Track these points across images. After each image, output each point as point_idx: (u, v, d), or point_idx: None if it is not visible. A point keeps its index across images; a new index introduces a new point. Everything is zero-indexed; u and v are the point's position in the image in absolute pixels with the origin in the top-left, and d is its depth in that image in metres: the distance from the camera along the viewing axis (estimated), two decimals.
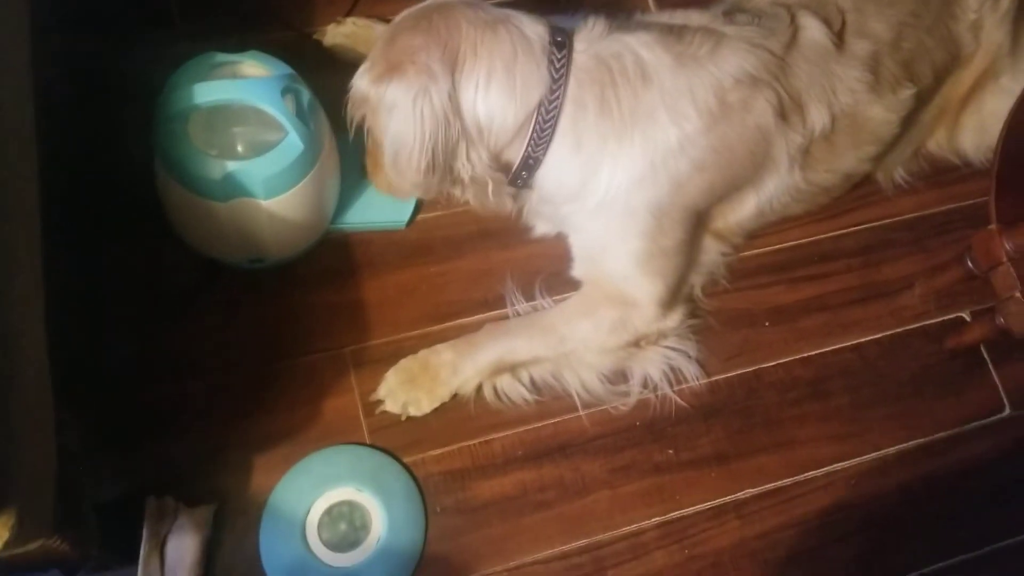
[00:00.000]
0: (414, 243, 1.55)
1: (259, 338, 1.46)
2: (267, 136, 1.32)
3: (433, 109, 1.22)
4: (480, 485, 1.43)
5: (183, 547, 1.31)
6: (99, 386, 1.38)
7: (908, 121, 1.54)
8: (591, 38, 1.29)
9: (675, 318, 1.48)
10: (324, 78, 1.44)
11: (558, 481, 1.45)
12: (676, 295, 1.48)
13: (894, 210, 1.70)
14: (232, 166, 1.27)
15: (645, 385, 1.49)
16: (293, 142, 1.29)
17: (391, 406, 1.43)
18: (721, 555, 1.45)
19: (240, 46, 1.35)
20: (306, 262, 1.50)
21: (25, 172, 1.06)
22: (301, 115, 1.30)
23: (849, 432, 1.55)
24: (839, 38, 1.42)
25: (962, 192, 1.73)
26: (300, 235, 1.46)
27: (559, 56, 1.25)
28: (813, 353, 1.59)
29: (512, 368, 1.45)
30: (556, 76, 1.25)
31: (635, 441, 1.49)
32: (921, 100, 1.54)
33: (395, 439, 1.44)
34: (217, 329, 1.46)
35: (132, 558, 1.29)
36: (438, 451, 1.44)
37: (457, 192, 1.39)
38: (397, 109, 1.23)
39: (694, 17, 1.39)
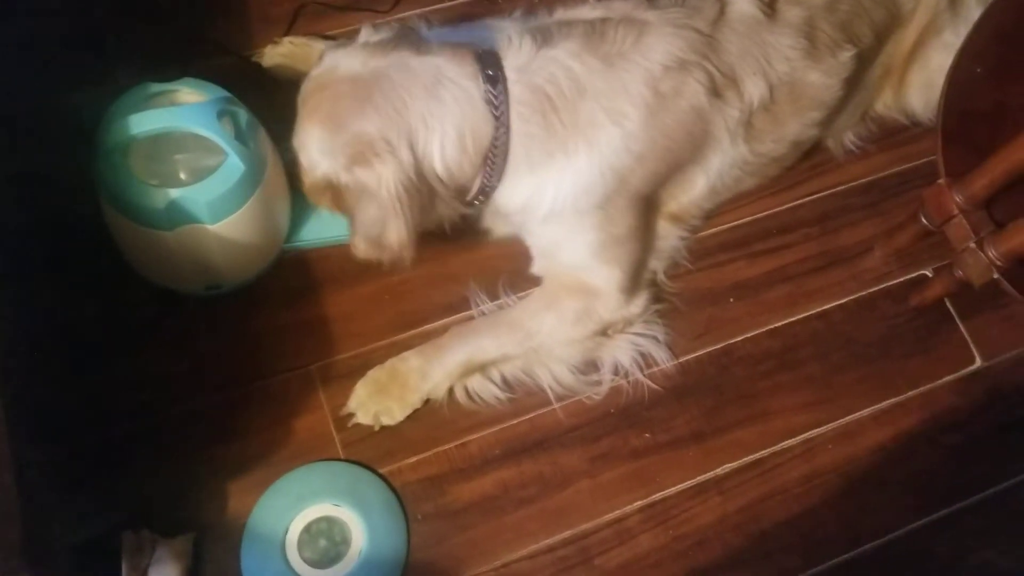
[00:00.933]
0: None
1: (225, 363, 1.46)
2: (210, 161, 1.32)
3: (408, 190, 1.24)
4: (460, 488, 1.43)
5: None
6: (66, 424, 1.37)
7: (851, 84, 1.55)
8: (520, 63, 1.30)
9: (639, 303, 1.49)
10: (265, 98, 1.45)
11: (538, 476, 1.45)
12: (636, 281, 1.48)
13: (847, 176, 1.72)
14: (175, 193, 1.27)
15: (616, 372, 1.50)
16: (234, 164, 1.29)
17: (363, 418, 1.43)
18: (706, 531, 1.45)
19: (176, 74, 1.35)
20: (265, 283, 1.51)
21: None
22: (240, 136, 1.30)
23: (822, 398, 1.56)
24: (770, 7, 1.43)
25: (914, 152, 1.75)
26: (253, 257, 1.46)
27: (495, 94, 1.27)
28: (780, 324, 1.60)
29: (482, 368, 1.45)
30: (498, 116, 1.28)
31: (611, 428, 1.49)
32: (863, 61, 1.55)
33: (370, 451, 1.43)
34: (181, 358, 1.45)
35: None
36: (414, 458, 1.44)
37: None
38: (370, 197, 1.25)
39: (616, 6, 1.38)
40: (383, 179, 1.23)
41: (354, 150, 1.24)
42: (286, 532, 1.37)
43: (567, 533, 1.42)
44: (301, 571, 1.36)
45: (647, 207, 1.46)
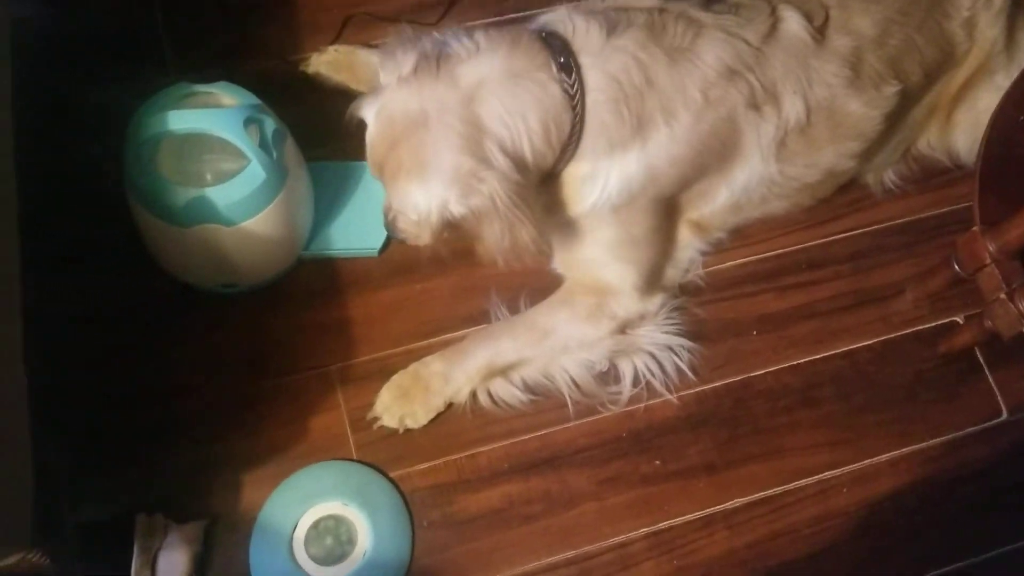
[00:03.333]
0: (398, 261, 1.57)
1: (244, 359, 1.49)
2: (236, 165, 1.35)
3: (519, 192, 1.22)
4: (467, 499, 1.44)
5: (174, 563, 1.34)
6: (86, 408, 1.42)
7: (893, 119, 1.53)
8: (592, 50, 1.28)
9: (654, 302, 1.50)
10: (302, 105, 1.48)
11: (545, 494, 1.46)
12: (652, 282, 1.49)
13: (884, 215, 1.69)
14: (194, 193, 1.31)
15: (636, 383, 1.50)
16: (255, 170, 1.33)
17: (388, 421, 1.45)
18: (711, 565, 1.44)
19: (218, 76, 1.39)
20: (289, 283, 1.54)
21: (6, 194, 1.10)
22: (265, 144, 1.34)
23: (841, 439, 1.54)
24: (820, 33, 1.42)
25: (953, 195, 1.71)
26: (269, 261, 1.50)
27: (570, 83, 1.25)
28: (803, 361, 1.58)
29: (503, 371, 1.46)
30: (574, 106, 1.26)
31: (622, 452, 1.49)
32: (908, 98, 1.53)
33: (382, 454, 1.46)
34: (201, 351, 1.49)
35: (125, 574, 1.31)
36: (424, 465, 1.45)
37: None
38: (492, 217, 1.24)
39: (673, 3, 1.38)
40: (495, 196, 1.21)
41: (457, 184, 1.22)
42: (295, 527, 1.40)
43: (570, 553, 1.42)
44: (306, 567, 1.38)
45: (668, 210, 1.46)
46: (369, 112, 1.28)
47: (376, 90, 1.28)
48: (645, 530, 1.45)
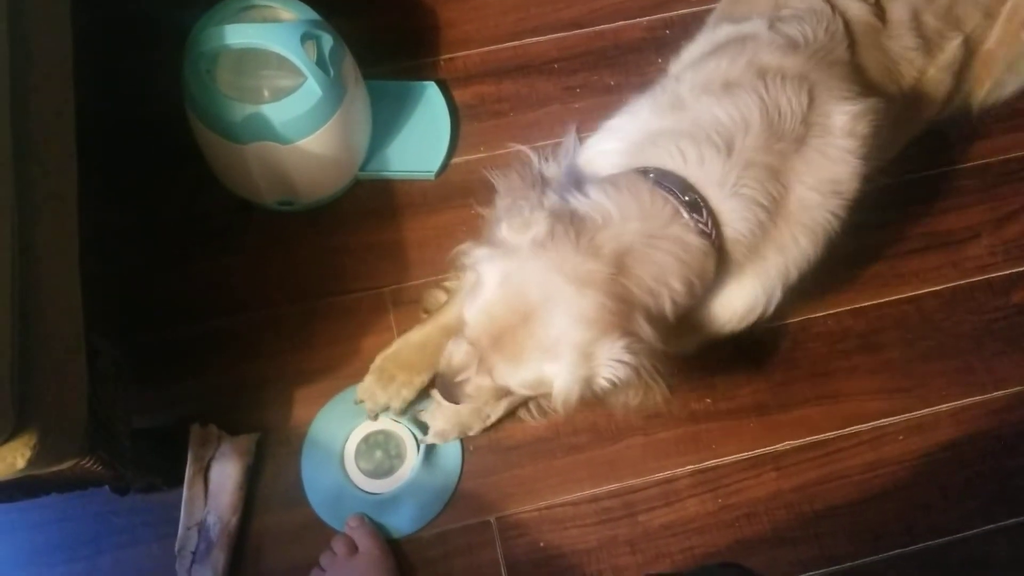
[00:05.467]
0: (455, 185, 1.55)
1: (299, 277, 1.50)
2: (293, 81, 1.33)
3: (659, 356, 1.12)
4: (513, 426, 1.45)
5: (226, 473, 1.37)
6: (142, 318, 1.45)
7: (962, 71, 1.42)
8: (716, 179, 1.14)
9: None
10: (363, 19, 1.44)
11: (591, 425, 1.45)
12: None
13: (961, 156, 1.62)
14: (250, 109, 1.30)
15: None
16: (311, 88, 1.31)
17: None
18: (756, 505, 1.43)
19: None
20: (344, 203, 1.53)
21: (65, 106, 1.11)
22: (322, 62, 1.31)
23: (901, 386, 1.49)
24: (879, 7, 1.32)
25: None
26: (326, 179, 1.49)
27: (704, 221, 1.12)
28: (866, 304, 1.54)
29: None
30: (712, 242, 1.14)
31: (672, 390, 1.47)
32: (972, 44, 1.41)
33: None
34: (257, 267, 1.50)
35: (178, 481, 1.36)
36: None
37: None
38: (631, 385, 1.12)
39: (762, 51, 1.22)
40: (642, 368, 1.10)
41: (610, 362, 1.08)
42: (346, 439, 1.43)
43: (614, 486, 1.42)
44: (356, 479, 1.41)
45: None
46: (490, 272, 1.11)
47: (498, 243, 1.13)
48: (691, 467, 1.44)
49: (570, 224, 1.10)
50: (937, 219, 1.59)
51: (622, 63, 1.67)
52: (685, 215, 1.12)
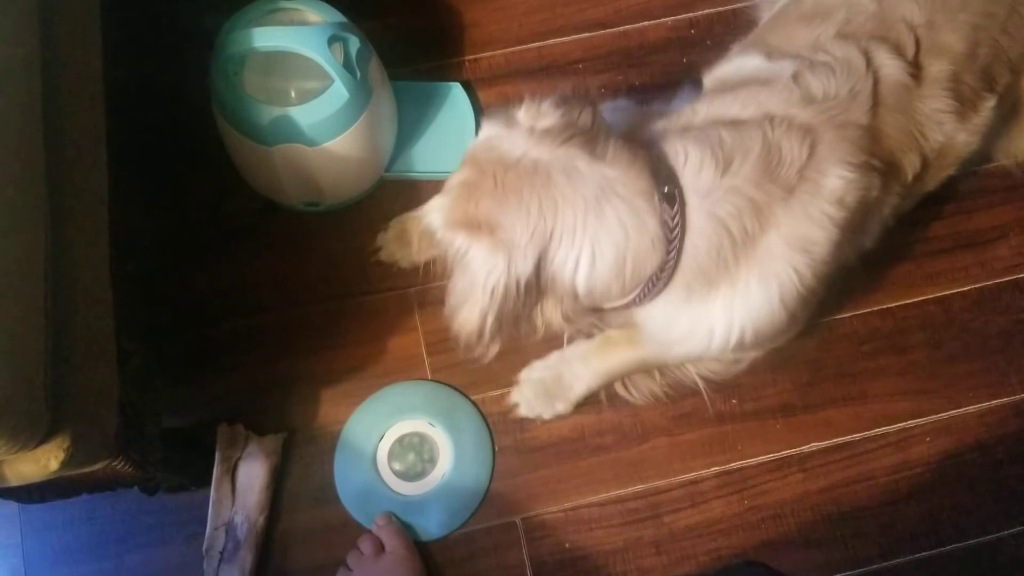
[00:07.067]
0: None
1: (326, 276, 1.50)
2: (320, 83, 1.34)
3: (505, 289, 1.08)
4: (539, 427, 1.45)
5: (253, 473, 1.38)
6: (170, 319, 1.46)
7: (989, 135, 1.39)
8: (703, 188, 1.13)
9: None
10: (388, 18, 1.44)
11: (616, 426, 1.45)
12: None
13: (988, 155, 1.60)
14: (277, 111, 1.30)
15: None
16: (337, 91, 1.31)
17: (526, 412, 1.45)
18: (782, 507, 1.42)
19: None
20: (369, 203, 1.54)
21: (95, 104, 1.12)
22: (348, 64, 1.31)
23: (927, 388, 1.49)
24: (915, 66, 1.27)
25: None
26: (352, 180, 1.49)
27: (671, 215, 1.11)
28: (893, 305, 1.53)
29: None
30: (670, 244, 1.12)
31: (697, 390, 1.46)
32: (1001, 103, 1.37)
33: (457, 378, 1.46)
34: (282, 268, 1.51)
35: (206, 481, 1.37)
36: (498, 391, 1.46)
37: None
38: (464, 271, 1.11)
39: (774, 99, 1.21)
40: (485, 265, 1.08)
41: (469, 217, 1.09)
42: (380, 439, 1.43)
43: (639, 487, 1.42)
44: (388, 480, 1.42)
45: None
46: (490, 129, 1.14)
47: (508, 118, 1.14)
48: (717, 469, 1.44)
49: (567, 136, 1.10)
50: (964, 218, 1.58)
51: (647, 63, 1.67)
52: (657, 198, 1.11)
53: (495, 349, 1.18)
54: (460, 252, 1.10)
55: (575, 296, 1.13)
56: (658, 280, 1.15)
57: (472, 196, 1.09)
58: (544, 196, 1.07)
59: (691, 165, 1.14)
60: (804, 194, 1.16)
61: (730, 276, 1.17)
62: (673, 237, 1.12)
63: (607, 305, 1.20)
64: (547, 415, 1.44)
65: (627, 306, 1.20)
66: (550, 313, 1.17)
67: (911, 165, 1.28)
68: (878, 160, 1.23)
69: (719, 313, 1.20)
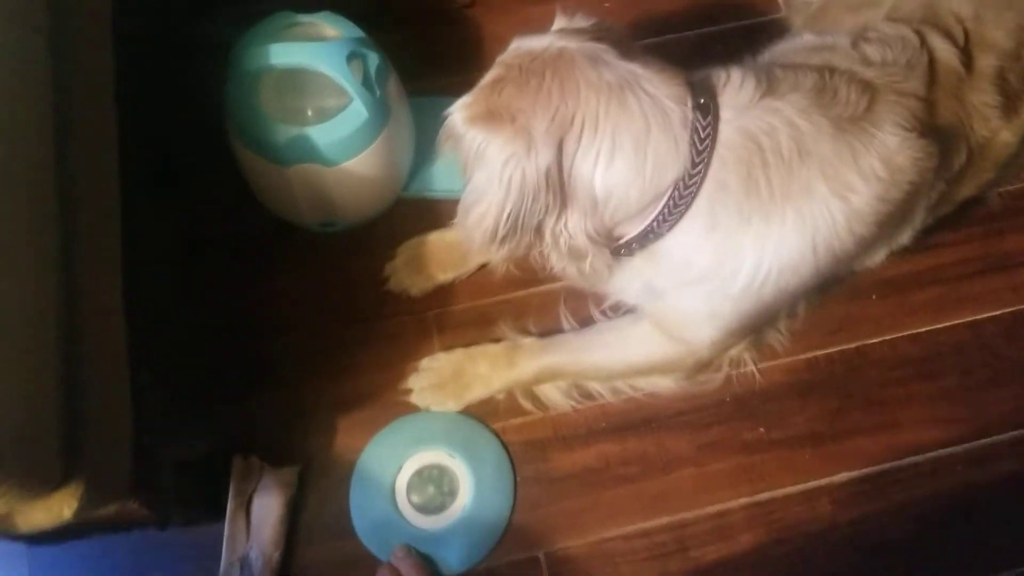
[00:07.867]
0: None
1: (342, 299, 1.47)
2: (337, 101, 1.30)
3: (523, 179, 1.04)
4: (561, 456, 1.41)
5: (268, 506, 1.33)
6: (181, 348, 1.41)
7: None
8: (739, 105, 1.08)
9: (737, 348, 1.40)
10: (405, 31, 1.40)
11: (641, 456, 1.41)
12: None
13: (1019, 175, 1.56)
14: (294, 131, 1.26)
15: (731, 365, 1.42)
16: (356, 109, 1.27)
17: (417, 400, 1.42)
18: (811, 540, 1.38)
19: (315, 5, 1.33)
20: (386, 224, 1.50)
21: (106, 122, 1.08)
22: (367, 82, 1.27)
23: (959, 416, 1.45)
24: (966, 55, 1.24)
25: None
26: (370, 201, 1.45)
27: (703, 125, 1.05)
28: (923, 330, 1.49)
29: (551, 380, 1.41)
30: (698, 155, 1.06)
31: (724, 418, 1.43)
32: None
33: (477, 406, 1.42)
34: (297, 289, 1.47)
35: (219, 515, 1.32)
36: (519, 420, 1.42)
37: (537, 256, 1.20)
38: (483, 165, 1.06)
39: (836, 57, 1.19)
40: (503, 153, 1.05)
41: (490, 108, 1.05)
42: (399, 471, 1.39)
43: (665, 520, 1.38)
44: (406, 513, 1.37)
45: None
46: (521, 40, 1.11)
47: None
48: (744, 500, 1.40)
49: (597, 35, 1.08)
50: (997, 240, 1.54)
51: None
52: (690, 104, 1.06)
53: (504, 254, 1.13)
54: (480, 147, 1.06)
55: (595, 202, 1.07)
56: (681, 198, 1.08)
57: (496, 87, 1.07)
58: (567, 79, 1.04)
59: (732, 84, 1.10)
60: (856, 140, 1.11)
61: (763, 209, 1.10)
62: (702, 148, 1.06)
63: (626, 228, 1.14)
64: (435, 408, 1.41)
65: (646, 235, 1.13)
66: (574, 226, 1.10)
67: (958, 155, 1.25)
68: (934, 136, 1.18)
69: (749, 249, 1.13)
